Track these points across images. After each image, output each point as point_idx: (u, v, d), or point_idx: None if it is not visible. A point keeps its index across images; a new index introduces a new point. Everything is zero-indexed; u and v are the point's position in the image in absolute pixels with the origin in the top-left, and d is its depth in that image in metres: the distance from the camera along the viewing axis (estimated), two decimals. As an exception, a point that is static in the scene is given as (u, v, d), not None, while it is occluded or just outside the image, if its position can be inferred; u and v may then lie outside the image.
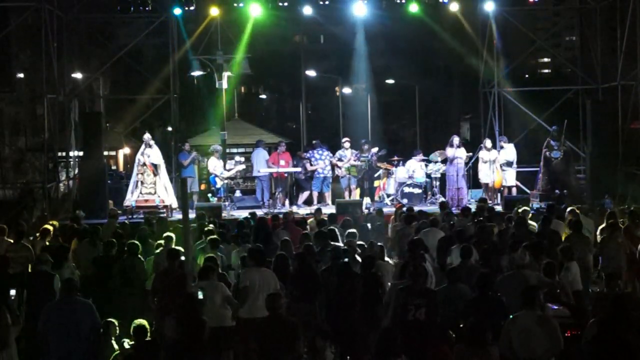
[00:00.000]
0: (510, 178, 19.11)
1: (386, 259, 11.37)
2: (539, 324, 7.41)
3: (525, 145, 21.37)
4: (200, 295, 8.58)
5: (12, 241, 11.94)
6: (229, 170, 18.72)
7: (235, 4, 20.80)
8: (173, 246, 11.02)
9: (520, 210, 13.76)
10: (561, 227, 12.49)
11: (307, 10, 21.11)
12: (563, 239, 11.90)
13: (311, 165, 19.13)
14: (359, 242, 11.59)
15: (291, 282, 9.61)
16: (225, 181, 18.54)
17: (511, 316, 7.64)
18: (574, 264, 10.18)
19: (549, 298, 9.04)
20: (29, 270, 10.90)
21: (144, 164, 17.70)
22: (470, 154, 19.25)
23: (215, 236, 11.58)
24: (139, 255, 10.95)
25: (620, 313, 7.01)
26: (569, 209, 13.41)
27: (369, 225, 14.38)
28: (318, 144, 19.64)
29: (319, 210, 15.16)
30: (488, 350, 7.20)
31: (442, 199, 18.42)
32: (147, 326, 8.47)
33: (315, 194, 19.16)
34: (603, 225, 12.35)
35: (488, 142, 19.10)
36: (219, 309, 9.01)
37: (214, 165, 18.61)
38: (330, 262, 9.99)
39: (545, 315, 7.70)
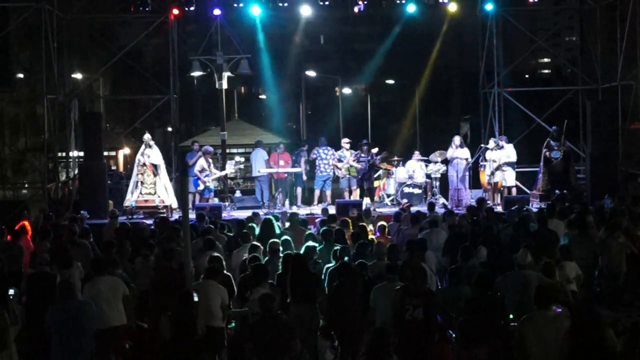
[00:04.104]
0: (510, 178, 19.02)
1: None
2: (554, 325, 7.27)
3: (525, 145, 21.35)
4: (196, 298, 8.47)
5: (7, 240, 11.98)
6: (220, 172, 18.65)
7: (235, 4, 20.79)
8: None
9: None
10: (561, 227, 12.47)
11: (307, 11, 21.08)
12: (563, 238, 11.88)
13: (309, 160, 19.12)
14: None
15: (291, 282, 9.59)
16: (208, 184, 18.32)
17: (525, 316, 7.53)
18: (569, 263, 10.16)
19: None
20: (23, 269, 10.89)
21: (144, 164, 17.68)
22: (469, 155, 19.17)
23: (210, 236, 11.53)
24: None
25: (587, 320, 6.87)
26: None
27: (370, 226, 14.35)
28: (323, 141, 19.55)
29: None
30: (477, 350, 7.15)
31: (443, 199, 18.42)
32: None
33: (316, 193, 19.15)
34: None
35: (491, 142, 19.01)
36: (213, 308, 8.94)
37: (201, 166, 18.39)
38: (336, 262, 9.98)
39: (560, 317, 7.49)
